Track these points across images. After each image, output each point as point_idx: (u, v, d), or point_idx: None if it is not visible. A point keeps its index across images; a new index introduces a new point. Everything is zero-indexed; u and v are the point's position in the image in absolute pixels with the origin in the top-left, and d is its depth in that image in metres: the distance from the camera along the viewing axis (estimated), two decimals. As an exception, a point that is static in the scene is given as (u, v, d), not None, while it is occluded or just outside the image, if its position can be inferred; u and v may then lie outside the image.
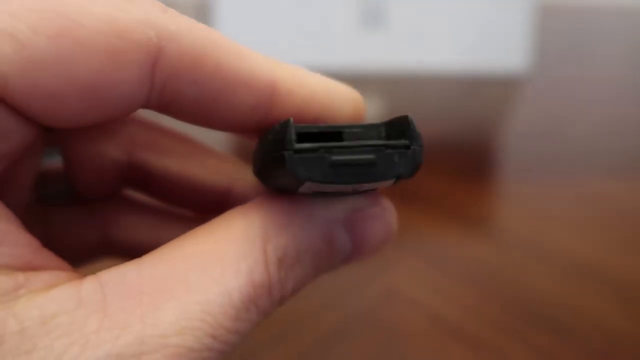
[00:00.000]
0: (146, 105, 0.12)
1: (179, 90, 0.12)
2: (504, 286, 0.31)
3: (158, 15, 0.11)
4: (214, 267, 0.11)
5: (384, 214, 0.14)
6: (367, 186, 0.12)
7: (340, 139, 0.11)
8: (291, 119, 0.11)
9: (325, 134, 0.11)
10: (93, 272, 0.11)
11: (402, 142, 0.11)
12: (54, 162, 0.16)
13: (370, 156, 0.11)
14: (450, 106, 0.60)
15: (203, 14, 0.69)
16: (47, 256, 0.12)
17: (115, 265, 0.11)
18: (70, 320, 0.10)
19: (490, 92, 0.64)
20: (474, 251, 0.34)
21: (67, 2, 0.10)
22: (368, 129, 0.12)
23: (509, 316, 0.29)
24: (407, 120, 0.11)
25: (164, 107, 0.12)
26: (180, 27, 0.11)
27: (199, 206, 0.17)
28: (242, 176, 0.16)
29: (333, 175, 0.11)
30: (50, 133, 0.14)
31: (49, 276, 0.11)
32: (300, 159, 0.10)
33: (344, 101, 0.13)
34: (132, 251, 0.17)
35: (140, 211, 0.17)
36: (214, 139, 0.17)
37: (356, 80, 0.64)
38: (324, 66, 0.65)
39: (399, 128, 0.12)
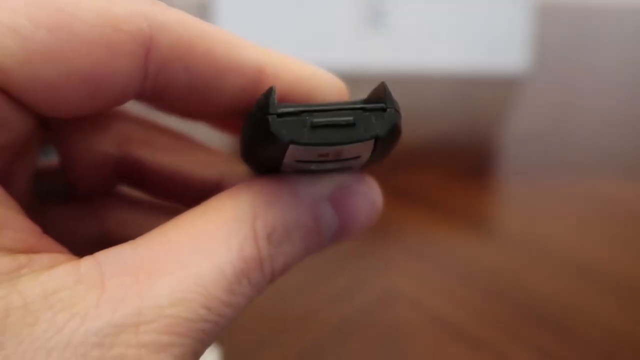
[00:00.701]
0: (140, 95, 0.13)
1: (171, 78, 0.12)
2: (504, 286, 0.31)
3: (149, 7, 0.12)
4: (206, 244, 0.12)
5: (369, 191, 0.14)
6: (347, 152, 0.12)
7: None
8: (274, 86, 0.11)
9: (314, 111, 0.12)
10: None
11: (379, 105, 0.12)
12: (50, 160, 0.16)
13: (349, 118, 0.12)
14: (451, 106, 0.60)
15: (203, 14, 0.69)
16: (48, 242, 0.12)
17: None
18: (70, 295, 0.10)
19: (490, 92, 0.64)
20: (474, 251, 0.34)
21: None
22: (349, 104, 0.12)
23: (509, 316, 0.29)
24: (382, 86, 0.12)
25: (157, 97, 0.13)
26: (170, 17, 0.12)
27: (191, 200, 0.17)
28: (233, 170, 0.17)
29: (314, 137, 0.11)
30: (46, 130, 0.15)
31: (49, 258, 0.11)
32: (283, 121, 0.11)
33: (328, 88, 0.14)
34: None
35: (136, 207, 0.18)
36: (207, 137, 0.17)
37: (357, 80, 0.64)
38: (324, 66, 0.65)
39: (375, 97, 0.12)
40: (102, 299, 0.11)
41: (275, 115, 0.11)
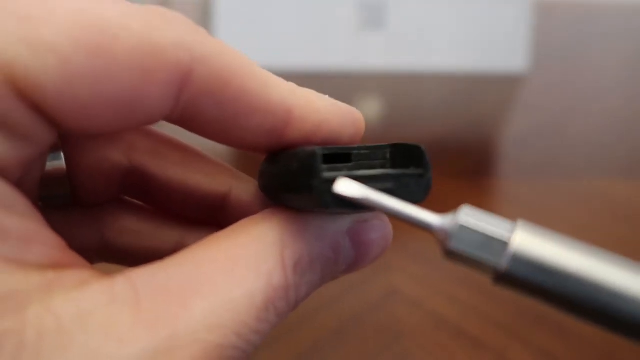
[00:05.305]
0: (167, 119, 0.13)
1: (201, 110, 0.12)
2: (504, 286, 0.31)
3: (192, 37, 0.12)
4: (236, 268, 0.12)
5: (383, 225, 0.15)
6: None
7: (349, 160, 0.13)
8: (318, 151, 0.12)
9: (336, 155, 0.13)
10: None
11: (418, 171, 0.12)
12: (55, 165, 0.16)
13: (390, 185, 0.12)
14: (450, 106, 0.60)
15: (203, 15, 0.69)
16: (72, 256, 0.12)
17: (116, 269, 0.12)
18: (105, 316, 0.10)
19: (489, 91, 0.64)
20: (474, 251, 0.34)
21: (107, 16, 0.11)
22: (374, 151, 0.13)
23: (510, 316, 0.29)
24: (420, 151, 0.13)
25: (183, 122, 0.13)
26: (211, 50, 0.12)
27: (196, 212, 0.17)
28: (239, 185, 0.17)
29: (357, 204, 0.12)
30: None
31: (78, 274, 0.11)
32: (329, 190, 0.11)
33: (348, 123, 0.14)
34: (130, 256, 0.17)
35: (139, 216, 0.18)
36: (213, 145, 0.17)
37: (356, 80, 0.64)
38: (323, 66, 0.65)
39: (406, 153, 0.13)
40: (138, 321, 0.10)
41: (322, 182, 0.11)
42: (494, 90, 0.64)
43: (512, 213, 0.38)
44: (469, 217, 0.12)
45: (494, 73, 0.68)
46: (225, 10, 0.65)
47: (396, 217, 0.12)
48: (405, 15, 0.67)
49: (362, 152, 0.13)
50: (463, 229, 0.12)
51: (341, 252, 0.14)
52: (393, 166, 0.13)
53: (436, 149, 0.49)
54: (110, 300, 0.11)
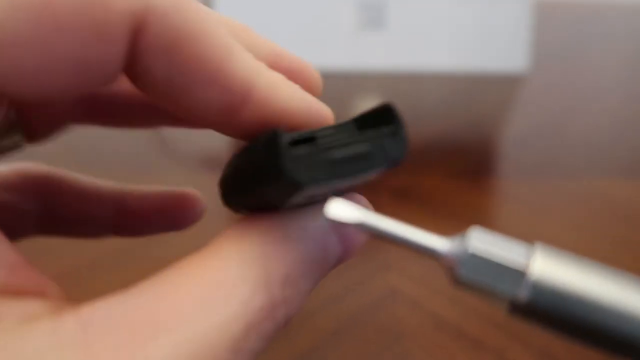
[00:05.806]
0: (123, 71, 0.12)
1: (150, 66, 0.11)
2: (504, 286, 0.31)
3: None
4: (211, 295, 0.10)
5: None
6: (359, 180, 0.12)
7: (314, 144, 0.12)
8: (278, 130, 0.10)
9: (298, 141, 0.11)
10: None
11: (391, 128, 0.12)
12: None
13: (365, 148, 0.11)
14: (450, 106, 0.59)
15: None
16: (27, 275, 0.10)
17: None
18: None
19: (489, 91, 0.64)
20: (474, 251, 0.34)
21: None
22: (339, 129, 0.12)
23: (510, 317, 0.28)
24: (389, 108, 0.12)
25: (133, 78, 0.12)
26: (167, 2, 0.11)
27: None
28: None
29: (334, 173, 0.11)
30: None
31: (25, 305, 0.10)
32: (300, 164, 0.10)
33: (312, 121, 0.13)
34: (69, 225, 0.18)
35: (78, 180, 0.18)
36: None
37: (356, 80, 0.63)
38: (323, 66, 0.65)
39: (374, 117, 0.12)
40: None
41: (290, 158, 0.10)
42: (494, 90, 0.64)
43: (512, 213, 0.38)
44: (480, 242, 0.10)
45: (494, 73, 0.67)
46: (225, 10, 0.65)
47: (396, 243, 0.11)
48: (405, 15, 0.67)
49: (327, 132, 0.12)
50: (474, 256, 0.10)
51: (329, 250, 0.13)
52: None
53: (436, 149, 0.49)
54: (56, 343, 0.09)
